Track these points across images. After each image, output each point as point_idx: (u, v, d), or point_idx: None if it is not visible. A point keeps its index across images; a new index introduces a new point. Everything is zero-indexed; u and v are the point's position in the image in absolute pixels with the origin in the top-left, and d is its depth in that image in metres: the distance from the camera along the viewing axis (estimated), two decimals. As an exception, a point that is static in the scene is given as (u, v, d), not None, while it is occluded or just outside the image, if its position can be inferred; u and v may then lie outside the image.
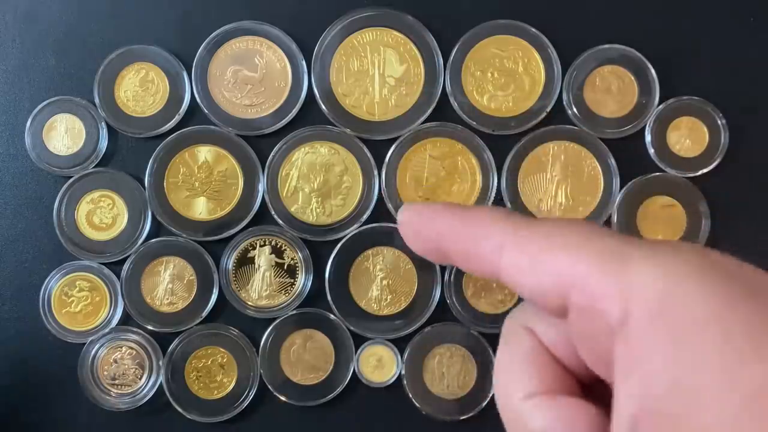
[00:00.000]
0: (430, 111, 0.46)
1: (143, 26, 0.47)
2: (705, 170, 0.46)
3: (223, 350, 0.47)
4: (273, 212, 0.46)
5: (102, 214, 0.47)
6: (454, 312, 0.46)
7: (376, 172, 0.46)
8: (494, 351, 0.46)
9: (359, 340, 0.46)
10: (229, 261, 0.46)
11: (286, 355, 0.47)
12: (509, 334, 0.24)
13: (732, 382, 0.17)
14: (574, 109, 0.46)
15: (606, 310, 0.19)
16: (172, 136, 0.46)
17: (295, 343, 0.47)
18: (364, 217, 0.46)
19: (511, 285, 0.22)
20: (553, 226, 0.21)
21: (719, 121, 0.46)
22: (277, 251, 0.46)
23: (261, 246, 0.46)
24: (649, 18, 0.47)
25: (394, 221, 0.46)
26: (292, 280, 0.46)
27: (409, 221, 0.25)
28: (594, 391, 0.23)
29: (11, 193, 0.47)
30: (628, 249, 0.20)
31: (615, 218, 0.46)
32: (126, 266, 0.46)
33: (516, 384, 0.22)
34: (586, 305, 0.20)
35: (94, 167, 0.46)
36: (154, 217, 0.46)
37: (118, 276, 0.46)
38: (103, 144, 0.46)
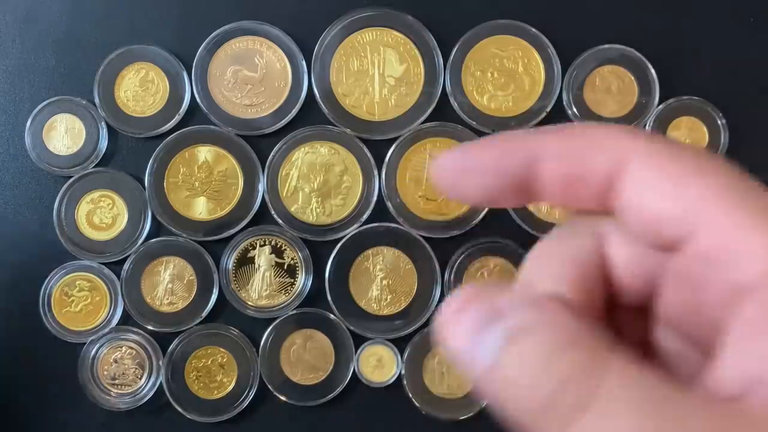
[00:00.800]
0: (430, 111, 0.46)
1: (143, 26, 0.47)
2: (705, 170, 0.46)
3: (223, 350, 0.47)
4: (273, 212, 0.46)
5: (102, 214, 0.47)
6: (454, 312, 0.46)
7: (376, 172, 0.46)
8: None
9: (359, 340, 0.46)
10: (229, 261, 0.46)
11: (286, 355, 0.47)
12: (573, 224, 0.20)
13: None
14: (574, 109, 0.46)
15: (743, 267, 0.17)
16: (172, 136, 0.46)
17: (295, 343, 0.47)
18: (364, 217, 0.46)
19: (625, 209, 0.19)
20: (696, 154, 0.18)
21: (719, 121, 0.46)
22: (277, 251, 0.46)
23: (261, 246, 0.46)
24: (649, 18, 0.47)
25: (395, 221, 0.46)
26: (292, 280, 0.46)
27: (478, 154, 0.20)
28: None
29: (11, 193, 0.47)
30: None
31: (615, 218, 0.46)
32: (126, 266, 0.46)
33: (546, 277, 0.19)
34: (718, 252, 0.18)
35: (94, 167, 0.46)
36: (154, 217, 0.46)
37: (118, 276, 0.46)
38: (103, 144, 0.46)
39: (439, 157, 0.21)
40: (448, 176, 0.21)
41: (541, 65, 0.46)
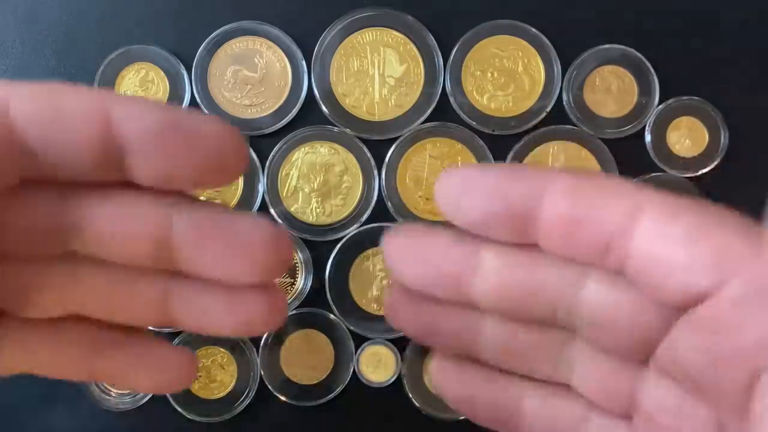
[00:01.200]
0: (430, 111, 0.46)
1: (143, 26, 0.47)
2: (705, 170, 0.46)
3: (223, 350, 0.47)
4: (273, 212, 0.46)
5: (102, 214, 0.46)
6: (454, 312, 0.46)
7: (376, 172, 0.46)
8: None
9: (359, 340, 0.46)
10: (229, 261, 0.46)
11: (286, 355, 0.47)
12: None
13: None
14: (574, 109, 0.46)
15: None
16: (172, 136, 0.46)
17: (295, 343, 0.47)
18: (364, 217, 0.46)
19: (637, 258, 0.18)
20: (707, 208, 0.18)
21: (719, 121, 0.46)
22: (277, 251, 0.46)
23: (261, 246, 0.46)
24: (649, 18, 0.47)
25: (394, 221, 0.46)
26: (292, 280, 0.46)
27: (479, 178, 0.18)
28: None
29: (11, 193, 0.47)
30: None
31: (615, 218, 0.46)
32: (126, 266, 0.46)
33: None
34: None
35: (94, 167, 0.46)
36: (154, 217, 0.46)
37: (118, 276, 0.46)
38: (103, 144, 0.46)
39: (445, 172, 0.19)
40: (450, 192, 0.19)
41: (541, 65, 0.46)
